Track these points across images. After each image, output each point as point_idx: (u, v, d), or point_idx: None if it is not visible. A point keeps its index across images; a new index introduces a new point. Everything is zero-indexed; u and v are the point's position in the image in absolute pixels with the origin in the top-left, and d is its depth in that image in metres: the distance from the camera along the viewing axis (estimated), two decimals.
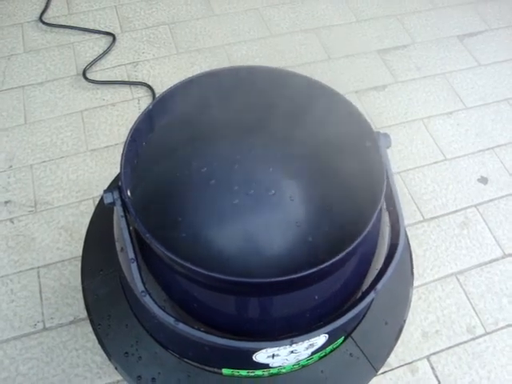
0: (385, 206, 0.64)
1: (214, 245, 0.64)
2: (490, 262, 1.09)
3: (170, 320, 0.55)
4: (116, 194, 0.58)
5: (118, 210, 0.58)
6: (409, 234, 1.10)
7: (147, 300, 0.55)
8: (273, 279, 0.50)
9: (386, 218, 0.65)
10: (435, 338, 0.99)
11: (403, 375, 0.95)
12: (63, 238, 1.08)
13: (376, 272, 0.61)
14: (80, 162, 1.20)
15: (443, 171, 1.21)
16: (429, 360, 0.97)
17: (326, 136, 0.67)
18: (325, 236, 0.65)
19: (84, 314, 0.98)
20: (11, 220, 1.11)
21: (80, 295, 1.00)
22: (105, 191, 0.59)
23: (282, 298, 0.57)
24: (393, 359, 0.96)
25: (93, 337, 0.95)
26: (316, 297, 0.58)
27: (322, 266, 0.51)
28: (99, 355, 0.95)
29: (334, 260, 0.52)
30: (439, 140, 1.27)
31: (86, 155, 1.21)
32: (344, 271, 0.59)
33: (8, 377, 0.92)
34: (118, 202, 0.58)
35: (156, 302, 0.56)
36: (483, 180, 1.20)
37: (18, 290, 1.01)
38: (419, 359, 0.97)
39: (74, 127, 1.26)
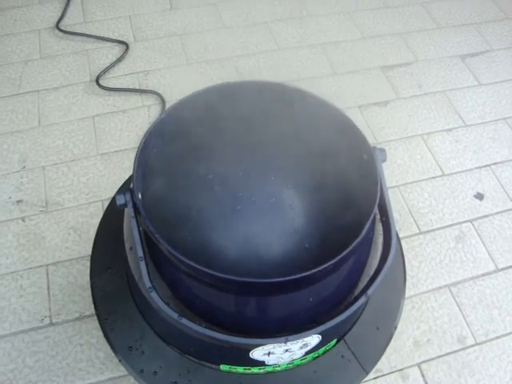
0: (378, 217, 0.68)
1: (217, 247, 0.69)
2: (483, 275, 1.12)
3: (174, 315, 0.59)
4: (128, 197, 0.63)
5: (129, 212, 0.62)
6: (405, 245, 1.14)
7: (153, 296, 0.59)
8: (269, 280, 0.55)
9: (379, 228, 0.69)
10: (426, 346, 1.02)
11: (394, 381, 0.98)
12: (72, 237, 1.12)
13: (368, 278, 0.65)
14: (90, 166, 1.24)
15: (440, 186, 1.25)
16: (419, 367, 1.00)
17: (325, 149, 0.71)
18: (320, 243, 0.69)
19: (89, 311, 1.02)
20: (23, 219, 1.15)
21: (86, 293, 1.04)
22: (117, 193, 0.63)
23: (279, 299, 0.61)
24: (385, 365, 1.00)
25: (97, 333, 1.00)
26: (310, 299, 0.62)
27: (314, 270, 0.55)
28: (102, 351, 0.98)
29: (326, 265, 0.56)
30: (438, 156, 1.31)
31: (96, 159, 1.26)
32: (337, 276, 0.63)
33: (15, 368, 0.96)
34: (130, 204, 0.62)
35: (161, 298, 0.60)
36: (479, 196, 1.24)
37: (27, 286, 1.06)
38: (410, 366, 1.00)
39: (86, 131, 1.31)
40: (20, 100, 1.37)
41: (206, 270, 0.55)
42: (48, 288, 1.05)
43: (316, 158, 0.72)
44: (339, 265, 0.60)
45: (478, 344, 1.03)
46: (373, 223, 0.66)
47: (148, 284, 0.60)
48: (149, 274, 0.61)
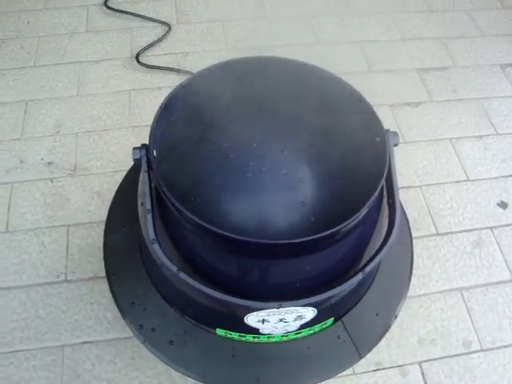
0: (386, 200, 0.69)
1: (222, 210, 0.71)
2: (497, 283, 1.10)
3: (174, 269, 0.61)
4: (143, 152, 0.65)
5: (142, 166, 0.65)
6: (420, 245, 1.14)
7: (156, 248, 0.62)
8: (265, 241, 0.56)
9: (386, 210, 0.69)
10: (430, 346, 1.02)
11: (393, 376, 0.98)
12: (95, 202, 1.17)
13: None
14: (121, 137, 1.28)
15: (464, 191, 1.24)
16: (420, 366, 0.99)
17: (340, 129, 0.72)
18: (326, 218, 0.70)
19: (103, 273, 1.05)
20: (51, 180, 1.20)
21: (102, 256, 1.08)
22: (134, 148, 0.66)
23: (276, 265, 0.63)
24: (385, 359, 0.99)
25: (108, 294, 1.03)
26: (307, 268, 0.63)
27: (311, 237, 0.56)
28: (111, 312, 1.02)
29: (324, 234, 0.57)
30: (464, 161, 1.30)
31: (127, 131, 1.30)
32: (337, 250, 0.64)
33: (27, 317, 1.00)
34: (144, 159, 0.65)
35: (164, 252, 0.62)
36: (503, 205, 1.22)
37: (48, 243, 1.10)
38: (411, 363, 0.99)
39: (121, 104, 1.35)
40: (62, 69, 1.42)
41: (206, 225, 0.57)
42: (67, 247, 1.10)
43: (330, 138, 0.73)
44: (338, 236, 0.61)
45: (484, 350, 1.02)
46: (378, 201, 0.67)
47: (152, 236, 0.62)
48: (154, 227, 0.63)
